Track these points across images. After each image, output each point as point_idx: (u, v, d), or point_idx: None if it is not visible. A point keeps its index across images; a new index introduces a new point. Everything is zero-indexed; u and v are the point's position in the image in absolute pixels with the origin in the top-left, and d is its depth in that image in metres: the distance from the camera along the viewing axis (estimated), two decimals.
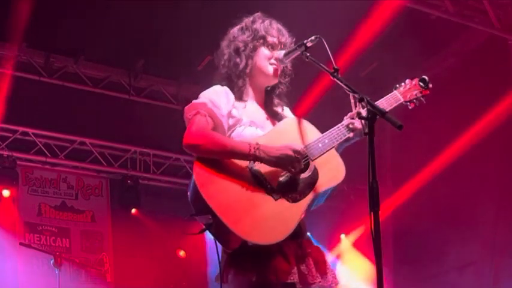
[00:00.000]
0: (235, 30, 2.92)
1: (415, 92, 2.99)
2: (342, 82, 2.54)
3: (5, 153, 8.17)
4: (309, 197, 2.61)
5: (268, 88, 2.95)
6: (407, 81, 3.02)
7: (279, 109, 2.96)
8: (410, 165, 8.76)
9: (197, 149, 2.58)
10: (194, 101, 2.76)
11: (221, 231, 2.50)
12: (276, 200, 2.56)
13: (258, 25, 2.88)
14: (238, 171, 2.58)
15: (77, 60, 8.38)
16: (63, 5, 6.93)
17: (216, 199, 2.50)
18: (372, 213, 2.22)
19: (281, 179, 2.60)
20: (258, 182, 2.57)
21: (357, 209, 9.64)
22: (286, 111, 3.01)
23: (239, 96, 2.83)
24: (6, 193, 8.16)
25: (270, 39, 2.87)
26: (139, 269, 8.71)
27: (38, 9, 6.79)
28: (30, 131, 8.45)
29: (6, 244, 7.93)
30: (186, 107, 2.75)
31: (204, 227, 2.56)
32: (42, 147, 8.55)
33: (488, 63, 7.75)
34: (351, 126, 2.75)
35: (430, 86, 3.00)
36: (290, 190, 2.59)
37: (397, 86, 2.99)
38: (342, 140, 2.75)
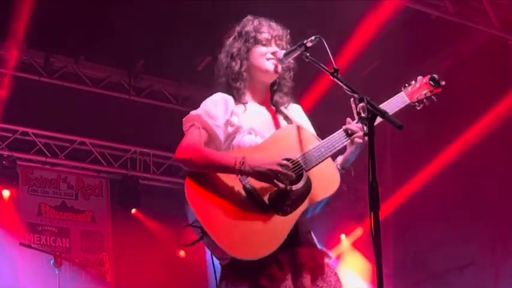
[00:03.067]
0: (230, 40, 2.93)
1: (424, 92, 2.84)
2: (341, 82, 2.53)
3: (5, 153, 8.18)
4: (300, 208, 2.57)
5: (275, 88, 2.94)
6: (418, 78, 2.88)
7: (284, 106, 2.93)
8: (410, 165, 8.75)
9: (186, 163, 2.64)
10: (191, 112, 2.80)
11: (212, 246, 2.52)
12: (265, 214, 2.53)
13: (248, 27, 2.88)
14: (229, 186, 2.58)
15: (77, 60, 8.38)
16: (63, 5, 6.93)
17: (206, 215, 2.51)
18: (372, 213, 2.21)
19: (272, 192, 2.57)
20: (250, 196, 2.56)
21: (357, 209, 9.65)
22: (294, 109, 2.98)
23: (239, 99, 2.83)
24: (6, 193, 8.17)
25: (261, 36, 2.86)
26: (139, 269, 8.71)
27: (38, 10, 6.79)
28: (30, 131, 8.46)
29: (6, 244, 7.93)
30: (183, 119, 2.80)
31: (197, 238, 2.56)
32: (42, 147, 8.55)
33: (488, 63, 7.75)
34: (349, 131, 2.69)
35: (443, 83, 2.85)
36: (281, 203, 2.55)
37: (406, 85, 2.87)
38: (340, 147, 2.69)
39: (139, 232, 8.87)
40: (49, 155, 8.59)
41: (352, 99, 2.59)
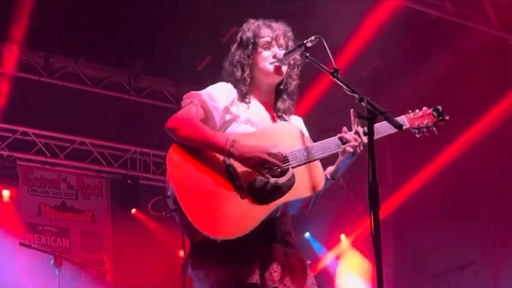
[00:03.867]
0: (233, 48, 2.94)
1: (425, 121, 2.87)
2: (341, 82, 2.53)
3: (5, 153, 8.18)
4: (277, 202, 2.56)
5: (281, 87, 2.94)
6: (424, 108, 2.90)
7: (287, 115, 2.93)
8: (410, 165, 8.76)
9: (175, 133, 2.65)
10: (192, 91, 2.81)
11: (183, 220, 2.52)
12: (242, 198, 2.54)
13: (248, 33, 2.89)
14: (212, 163, 2.59)
15: (77, 60, 8.38)
16: (63, 5, 6.93)
17: (182, 186, 2.53)
18: (371, 213, 2.21)
19: (254, 179, 2.57)
20: (230, 178, 2.56)
21: (357, 209, 9.64)
22: (294, 120, 2.98)
23: (242, 99, 2.84)
24: (6, 193, 8.16)
25: (261, 40, 2.86)
26: (139, 269, 8.72)
27: (38, 9, 6.80)
28: (30, 131, 8.46)
29: (6, 244, 7.93)
30: (184, 96, 2.81)
31: (171, 209, 2.59)
32: (42, 147, 8.55)
33: (488, 63, 7.75)
34: (344, 140, 2.70)
35: (447, 118, 2.88)
36: (259, 192, 2.56)
37: (410, 111, 2.91)
38: (331, 153, 2.70)
39: (139, 232, 8.87)
40: (49, 155, 8.59)
41: (352, 110, 2.62)
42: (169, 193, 2.60)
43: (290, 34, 2.90)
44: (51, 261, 6.50)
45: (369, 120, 2.36)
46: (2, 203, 8.17)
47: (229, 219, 2.49)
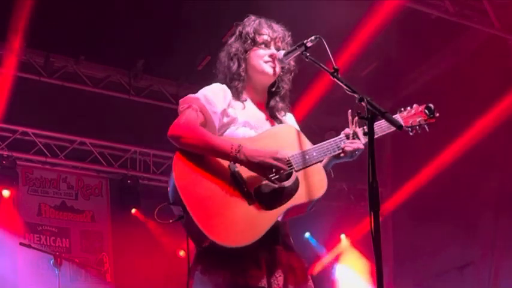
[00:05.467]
0: (231, 40, 2.94)
1: (418, 119, 2.90)
2: (342, 82, 2.53)
3: (5, 153, 8.17)
4: (284, 206, 2.57)
5: (273, 89, 2.94)
6: (414, 106, 2.94)
7: (281, 114, 2.94)
8: (410, 165, 8.76)
9: (180, 141, 2.60)
10: (189, 95, 2.79)
11: (191, 226, 2.49)
12: (249, 204, 2.53)
13: (248, 28, 2.89)
14: (218, 169, 2.58)
15: (77, 60, 8.38)
16: (63, 5, 6.93)
17: (190, 193, 2.50)
18: (371, 213, 2.21)
19: (260, 184, 2.58)
20: (236, 184, 2.56)
21: (357, 209, 9.65)
22: (289, 118, 3.00)
23: (237, 96, 2.84)
24: (6, 193, 8.16)
25: (260, 38, 2.87)
26: (139, 269, 8.70)
27: (38, 9, 6.80)
28: (30, 131, 8.45)
29: (6, 244, 7.92)
30: (180, 100, 2.79)
31: (177, 216, 2.56)
32: (42, 147, 8.54)
33: (488, 63, 7.75)
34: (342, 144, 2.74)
35: (437, 115, 2.91)
36: (266, 197, 2.56)
37: (402, 109, 2.94)
38: (331, 155, 2.74)
39: (139, 232, 8.86)
40: (49, 155, 8.59)
41: (350, 111, 2.66)
42: (171, 199, 2.57)
43: (289, 39, 2.91)
44: (51, 261, 6.49)
45: (369, 120, 2.36)
46: (2, 203, 8.16)
47: (239, 227, 2.49)
